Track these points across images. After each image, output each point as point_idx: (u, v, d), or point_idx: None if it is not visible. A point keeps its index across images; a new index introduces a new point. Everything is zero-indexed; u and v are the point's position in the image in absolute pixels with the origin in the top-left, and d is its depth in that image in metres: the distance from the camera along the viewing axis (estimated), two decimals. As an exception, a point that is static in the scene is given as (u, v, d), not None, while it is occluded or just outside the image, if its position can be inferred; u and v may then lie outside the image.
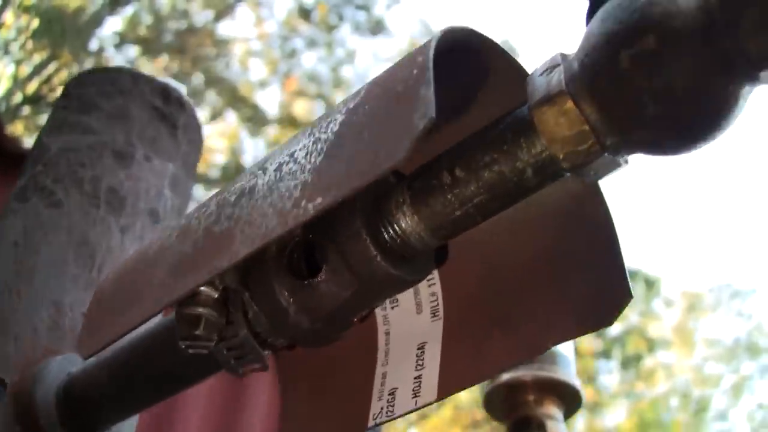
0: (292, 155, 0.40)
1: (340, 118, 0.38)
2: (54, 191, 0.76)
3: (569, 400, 0.82)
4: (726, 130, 0.35)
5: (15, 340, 0.65)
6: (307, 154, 0.38)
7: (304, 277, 0.42)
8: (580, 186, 0.43)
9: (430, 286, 0.49)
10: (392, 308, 0.50)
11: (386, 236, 0.41)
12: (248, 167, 0.45)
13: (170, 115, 0.88)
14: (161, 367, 0.54)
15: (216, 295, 0.45)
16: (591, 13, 0.38)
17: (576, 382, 0.82)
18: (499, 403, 0.84)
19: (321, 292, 0.42)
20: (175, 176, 0.85)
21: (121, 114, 0.84)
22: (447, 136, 0.43)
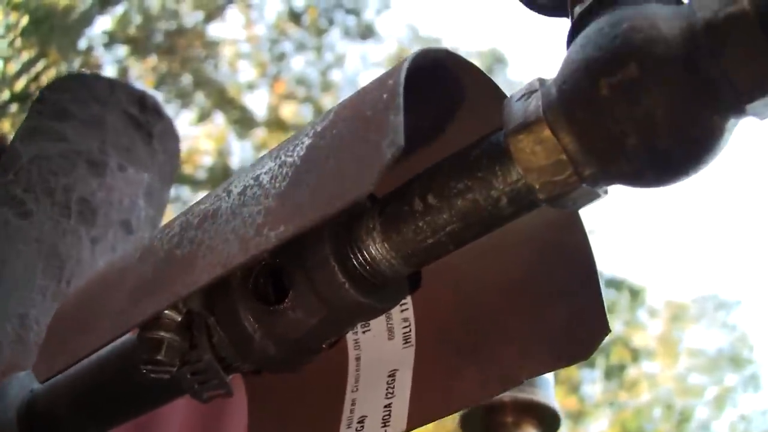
0: (257, 178, 0.38)
1: (307, 141, 0.36)
2: (24, 201, 0.74)
3: (548, 422, 0.81)
4: (709, 163, 0.33)
5: (-23, 354, 0.63)
6: (272, 178, 0.36)
7: (270, 302, 0.41)
8: (559, 214, 0.41)
9: (402, 311, 0.47)
10: (363, 333, 0.49)
11: (355, 263, 0.40)
12: (213, 190, 0.43)
13: (146, 124, 0.86)
14: (124, 388, 0.52)
15: (179, 319, 0.43)
16: (572, 37, 0.37)
17: (555, 404, 0.81)
18: (476, 425, 0.83)
19: (287, 318, 0.40)
20: (149, 186, 0.83)
21: (96, 122, 0.82)
22: (422, 156, 0.41)
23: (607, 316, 0.40)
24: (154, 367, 0.42)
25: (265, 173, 0.38)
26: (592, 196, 0.36)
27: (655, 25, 0.32)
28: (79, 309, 0.45)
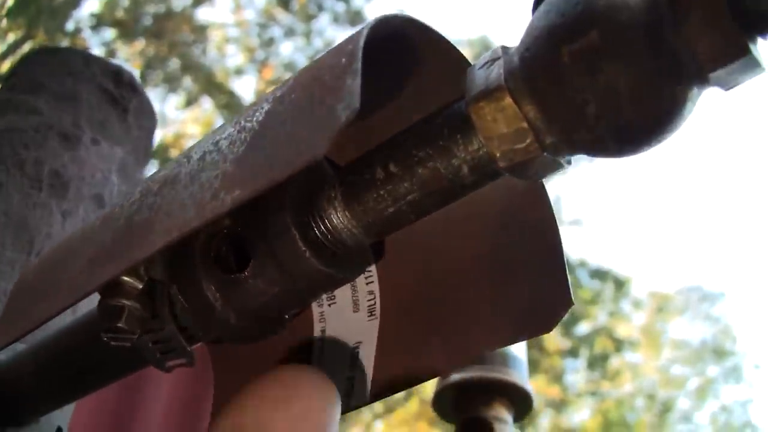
0: (216, 144, 0.38)
1: (266, 106, 0.36)
2: (-6, 173, 0.74)
3: (520, 402, 0.81)
4: (673, 133, 0.33)
5: (-57, 326, 0.62)
6: (230, 143, 0.36)
7: (232, 271, 0.40)
8: (524, 188, 0.41)
9: (368, 284, 0.47)
10: (329, 305, 0.48)
11: (317, 232, 0.39)
12: (175, 156, 0.43)
13: (121, 99, 0.85)
14: (87, 358, 0.52)
15: (140, 287, 0.43)
16: (537, 4, 0.36)
17: (528, 385, 0.81)
18: (447, 404, 0.83)
19: (248, 287, 0.40)
20: (123, 161, 0.83)
21: (70, 95, 0.82)
22: (385, 126, 0.41)
23: (571, 289, 0.40)
24: (114, 334, 0.42)
25: (225, 138, 0.37)
26: (555, 166, 0.36)
27: None
28: (39, 277, 0.45)
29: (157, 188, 0.40)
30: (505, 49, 0.36)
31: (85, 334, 0.51)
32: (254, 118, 0.36)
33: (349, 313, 0.47)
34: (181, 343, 0.43)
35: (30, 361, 0.56)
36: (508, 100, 0.33)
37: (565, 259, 0.41)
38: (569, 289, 0.40)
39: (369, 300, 0.47)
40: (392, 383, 0.44)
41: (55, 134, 0.78)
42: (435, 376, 0.45)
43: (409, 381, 0.44)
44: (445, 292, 0.44)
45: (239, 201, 0.33)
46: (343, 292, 0.47)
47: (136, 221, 0.39)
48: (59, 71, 0.82)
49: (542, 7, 0.34)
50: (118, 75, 0.85)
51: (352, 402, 0.45)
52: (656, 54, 0.31)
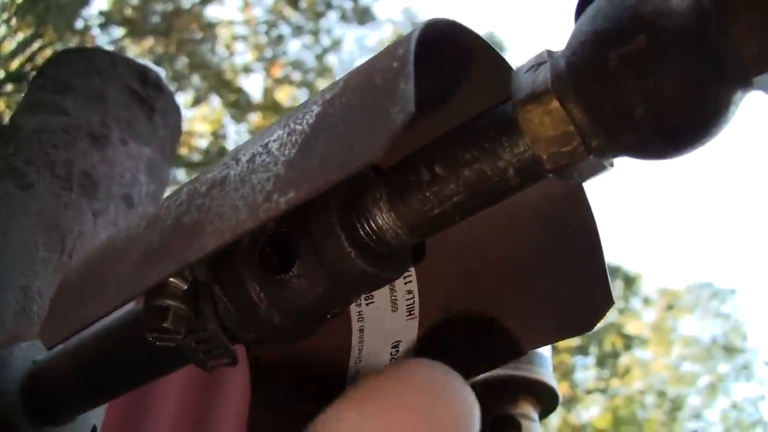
0: (265, 146, 0.38)
1: (316, 109, 0.37)
2: (25, 173, 0.74)
3: (545, 400, 0.82)
4: (716, 136, 0.34)
5: (-20, 325, 0.63)
6: (281, 146, 0.37)
7: (276, 271, 0.41)
8: (563, 188, 0.42)
9: (406, 283, 0.47)
10: (367, 305, 0.49)
11: (361, 232, 0.40)
12: (221, 158, 0.43)
13: (148, 99, 0.86)
14: (128, 358, 0.53)
15: (185, 287, 0.43)
16: (580, 9, 0.37)
17: (553, 382, 0.81)
18: (474, 402, 0.83)
19: (293, 287, 0.40)
20: (151, 161, 0.83)
21: (97, 96, 0.82)
22: (427, 129, 0.41)
23: (611, 287, 0.40)
24: (159, 335, 0.43)
25: (274, 141, 0.38)
26: (599, 168, 0.36)
27: None
28: (85, 277, 0.45)
29: (204, 190, 0.40)
30: (550, 53, 0.36)
31: (124, 334, 0.52)
32: (304, 121, 0.37)
33: (388, 313, 0.48)
34: (224, 342, 0.44)
35: (68, 361, 0.57)
36: (555, 103, 0.34)
37: (605, 258, 0.41)
38: (610, 288, 0.40)
39: (408, 299, 0.47)
40: None
41: (84, 134, 0.79)
42: (474, 376, 0.45)
43: None
44: (485, 292, 0.45)
45: (294, 203, 0.33)
46: (381, 292, 0.48)
47: (185, 222, 0.39)
48: (86, 71, 0.83)
49: (587, 12, 0.35)
50: (145, 74, 0.86)
51: None
52: (702, 58, 0.31)
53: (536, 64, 0.36)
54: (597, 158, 0.35)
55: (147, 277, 0.39)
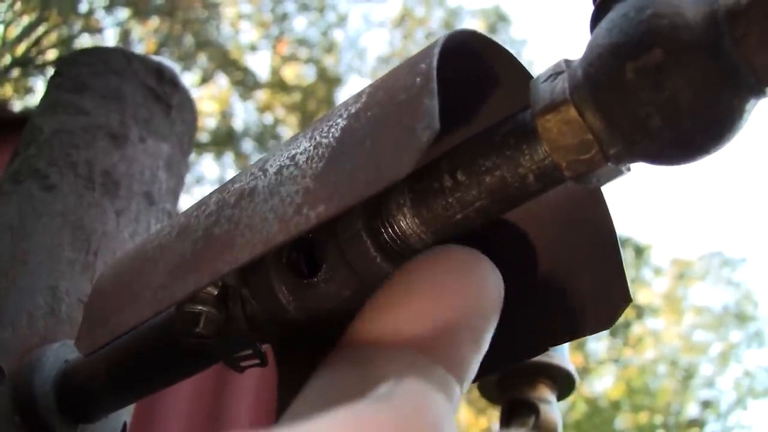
0: (292, 158, 0.39)
1: (341, 122, 0.38)
2: (48, 174, 0.76)
3: (563, 383, 0.83)
4: (730, 142, 0.35)
5: (11, 326, 0.65)
6: (308, 159, 0.38)
7: (303, 275, 0.42)
8: (582, 189, 0.43)
9: None
10: None
11: (386, 237, 0.41)
12: (247, 167, 0.44)
13: (164, 95, 0.87)
14: (160, 358, 0.54)
15: (216, 293, 0.45)
16: (595, 20, 0.38)
17: (570, 366, 0.82)
18: (492, 386, 0.84)
19: (321, 291, 0.42)
20: (169, 157, 0.85)
21: (115, 94, 0.83)
22: (449, 134, 0.43)
23: (629, 285, 0.42)
24: (192, 339, 0.44)
25: (301, 153, 0.39)
26: (616, 173, 0.38)
27: (680, 12, 0.33)
28: (117, 284, 0.47)
29: (234, 200, 0.41)
30: (568, 62, 0.37)
31: (157, 335, 0.53)
32: (330, 134, 0.38)
33: None
34: (254, 344, 0.45)
35: (100, 361, 0.58)
36: (574, 112, 0.35)
37: (622, 255, 0.43)
38: (627, 284, 0.42)
39: None
40: None
41: (104, 134, 0.80)
42: (494, 372, 0.47)
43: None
44: (507, 290, 0.46)
45: (324, 217, 0.35)
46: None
47: (215, 233, 0.41)
48: (103, 70, 0.84)
49: (603, 25, 0.36)
50: (160, 71, 0.87)
51: None
52: (716, 69, 0.32)
53: (554, 73, 0.37)
54: (614, 164, 0.36)
55: (181, 288, 0.41)
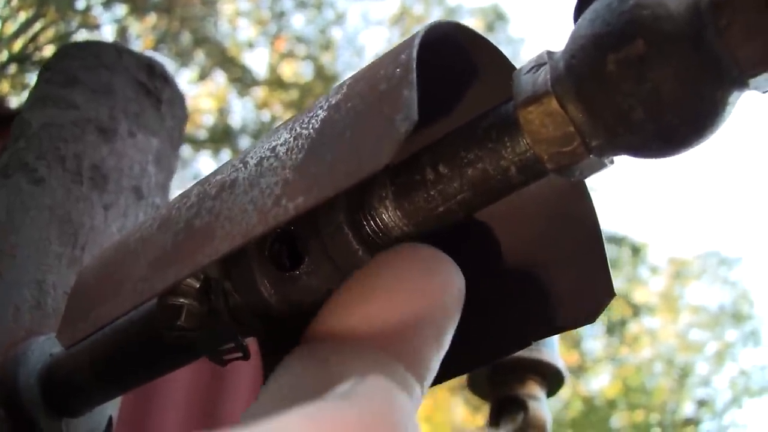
0: (273, 150, 0.39)
1: (321, 114, 0.38)
2: (36, 168, 0.75)
3: (552, 379, 0.83)
4: (713, 134, 0.34)
5: (-3, 319, 0.64)
6: (288, 150, 0.38)
7: (285, 268, 0.42)
8: (566, 182, 0.43)
9: None
10: None
11: (368, 230, 0.41)
12: (229, 160, 0.44)
13: (155, 90, 0.87)
14: (143, 351, 0.54)
15: (197, 285, 0.45)
16: (579, 11, 0.37)
17: (559, 362, 0.82)
18: (483, 382, 0.85)
19: (303, 284, 0.41)
20: (159, 152, 0.84)
21: (105, 88, 0.83)
22: (431, 126, 0.42)
23: (612, 280, 0.41)
24: (174, 331, 0.44)
25: (281, 145, 0.39)
26: (599, 166, 0.37)
27: (662, 3, 0.33)
28: (99, 276, 0.47)
29: (214, 192, 0.41)
30: (550, 54, 0.37)
31: (139, 328, 0.53)
32: (310, 126, 0.38)
33: None
34: (236, 337, 0.45)
35: (85, 354, 0.58)
36: (556, 104, 0.35)
37: (606, 250, 0.42)
38: (611, 279, 0.41)
39: None
40: (441, 372, 0.46)
41: (93, 128, 0.79)
42: (480, 366, 0.46)
43: (454, 370, 0.45)
44: (490, 284, 0.45)
45: (302, 209, 0.34)
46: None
47: (196, 225, 0.41)
48: (93, 64, 0.84)
49: (586, 15, 0.35)
50: (151, 66, 0.87)
51: None
52: (699, 61, 0.32)
53: (536, 65, 0.37)
54: (597, 157, 0.36)
55: (161, 280, 0.41)
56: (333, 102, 0.38)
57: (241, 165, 0.41)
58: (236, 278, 0.43)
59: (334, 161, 0.34)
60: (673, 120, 0.33)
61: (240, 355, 0.47)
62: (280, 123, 0.42)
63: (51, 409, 0.61)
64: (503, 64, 0.42)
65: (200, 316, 0.44)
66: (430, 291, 0.36)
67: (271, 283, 0.42)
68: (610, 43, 0.33)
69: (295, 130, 0.39)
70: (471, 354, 0.45)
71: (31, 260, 0.69)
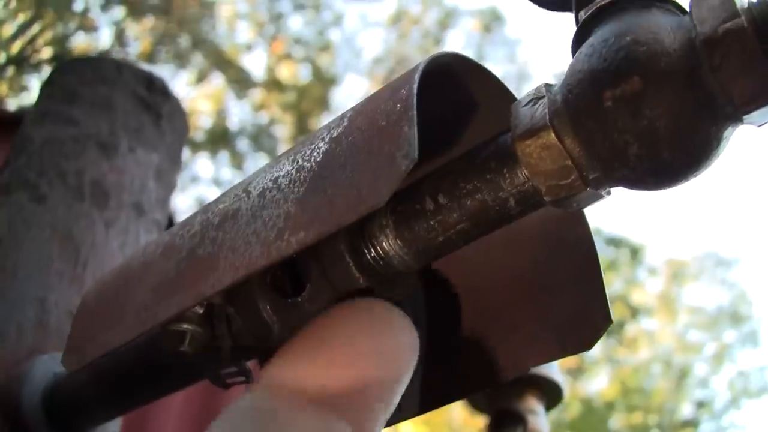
0: (275, 181, 0.39)
1: (323, 146, 0.38)
2: (38, 185, 0.76)
3: (551, 393, 0.83)
4: (708, 168, 0.35)
5: (0, 338, 0.65)
6: (290, 182, 0.38)
7: (287, 294, 0.42)
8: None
9: None
10: None
11: (369, 258, 0.41)
12: (231, 188, 0.45)
13: (154, 105, 0.87)
14: (146, 373, 0.54)
15: (201, 311, 0.45)
16: (577, 43, 0.38)
17: (558, 376, 0.83)
18: (481, 397, 0.85)
19: (305, 310, 0.42)
20: (159, 167, 0.85)
21: (105, 104, 0.84)
22: (433, 156, 0.43)
23: (609, 306, 0.42)
24: (178, 357, 0.44)
25: (284, 176, 0.39)
26: (596, 198, 0.38)
27: (658, 39, 0.33)
28: (104, 301, 0.47)
29: (217, 222, 0.41)
30: (548, 87, 0.38)
31: (146, 352, 0.53)
32: (312, 158, 0.38)
33: None
34: (239, 361, 0.46)
35: (89, 375, 0.58)
36: (553, 138, 0.35)
37: (603, 276, 0.43)
38: (608, 306, 0.42)
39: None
40: (439, 397, 0.46)
41: (93, 144, 0.80)
42: (479, 391, 0.47)
43: (453, 395, 0.46)
44: (489, 309, 0.46)
45: (304, 244, 0.35)
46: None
47: (199, 254, 0.41)
48: (93, 79, 0.84)
49: (583, 50, 0.36)
50: (150, 80, 0.87)
51: (401, 414, 0.47)
52: (694, 98, 0.33)
53: (535, 98, 0.38)
54: (594, 189, 0.37)
55: (165, 309, 0.41)
56: (334, 135, 0.38)
57: (244, 194, 0.41)
58: (239, 304, 0.44)
59: (335, 196, 0.35)
60: (668, 155, 0.33)
61: (243, 378, 0.48)
62: (281, 153, 0.43)
63: (55, 428, 0.62)
64: (503, 93, 0.42)
65: (203, 342, 0.45)
66: (380, 353, 0.36)
67: (273, 309, 0.42)
68: (607, 80, 0.34)
69: (297, 161, 0.39)
70: (470, 379, 0.46)
71: (33, 278, 0.70)
